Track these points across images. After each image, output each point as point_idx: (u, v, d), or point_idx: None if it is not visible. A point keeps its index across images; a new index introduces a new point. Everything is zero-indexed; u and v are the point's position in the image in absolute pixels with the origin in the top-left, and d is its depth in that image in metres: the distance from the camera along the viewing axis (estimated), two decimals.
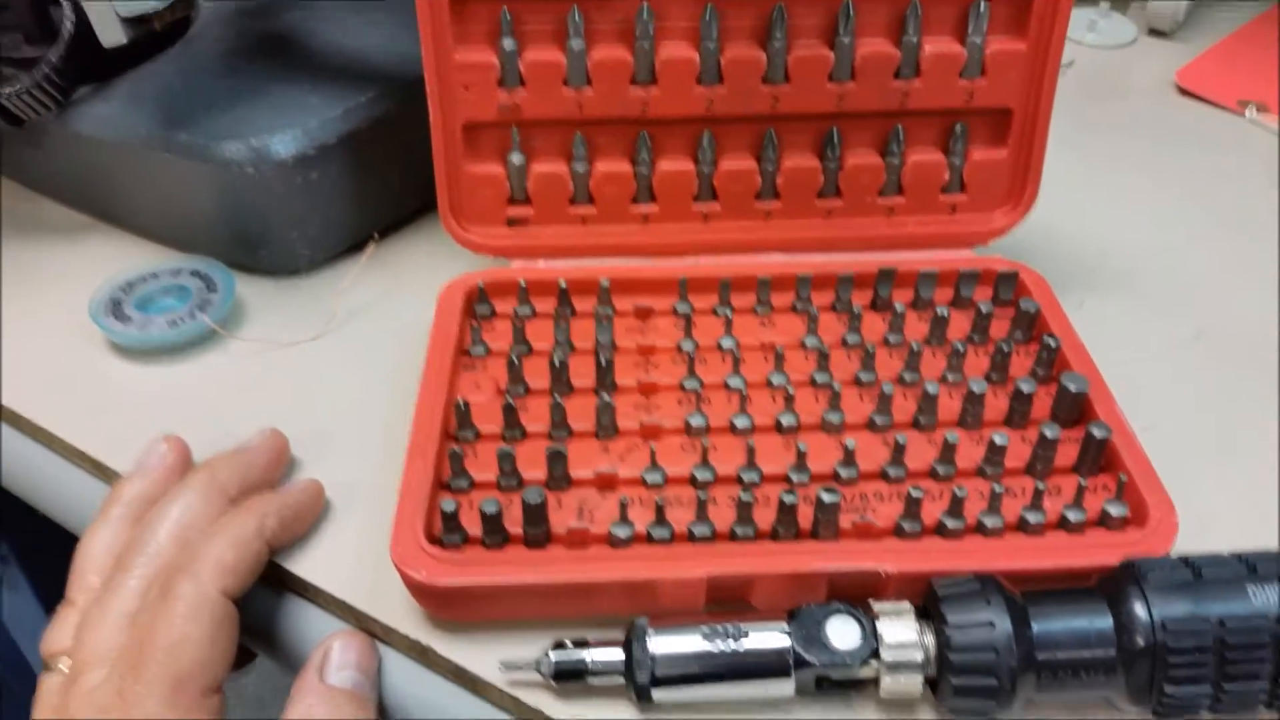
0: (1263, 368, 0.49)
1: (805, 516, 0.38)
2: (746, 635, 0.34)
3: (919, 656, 0.33)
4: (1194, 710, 0.32)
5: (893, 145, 0.49)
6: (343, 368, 0.49)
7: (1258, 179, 0.64)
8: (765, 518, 0.38)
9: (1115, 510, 0.38)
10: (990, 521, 0.38)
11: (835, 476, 0.40)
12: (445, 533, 0.37)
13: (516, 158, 0.48)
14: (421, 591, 0.36)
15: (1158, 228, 0.59)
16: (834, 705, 0.35)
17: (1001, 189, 0.50)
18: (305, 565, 0.40)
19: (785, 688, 0.34)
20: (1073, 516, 0.38)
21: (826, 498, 0.37)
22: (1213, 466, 0.43)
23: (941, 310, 0.46)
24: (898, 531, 0.38)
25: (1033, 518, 0.38)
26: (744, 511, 0.38)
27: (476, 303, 0.48)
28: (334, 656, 0.36)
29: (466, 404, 0.41)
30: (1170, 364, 0.49)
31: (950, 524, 0.38)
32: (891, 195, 0.50)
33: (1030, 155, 0.49)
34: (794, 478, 0.40)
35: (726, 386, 0.44)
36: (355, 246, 0.54)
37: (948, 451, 0.40)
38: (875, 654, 0.33)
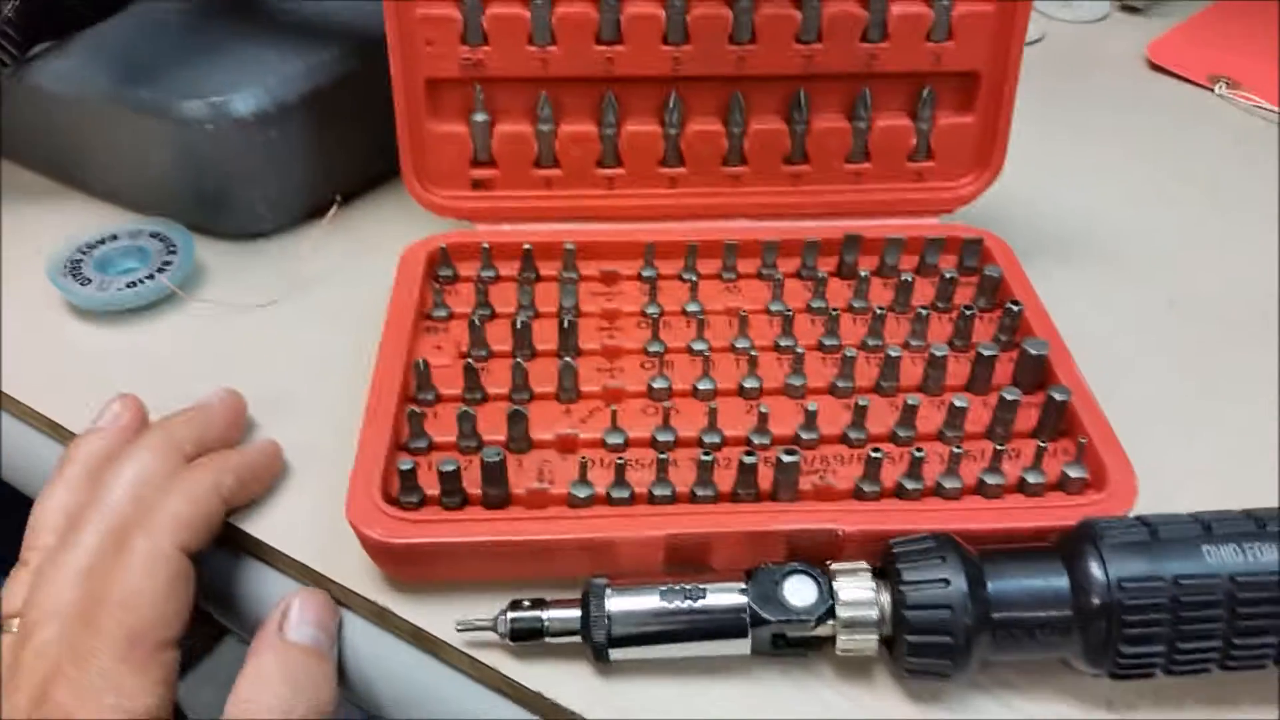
0: (1229, 338, 0.49)
1: (765, 478, 0.38)
2: (704, 595, 0.34)
3: (874, 614, 0.33)
4: (1149, 670, 0.32)
5: (860, 109, 0.49)
6: (303, 331, 0.48)
7: (1226, 153, 0.64)
8: (726, 479, 0.38)
9: (1074, 473, 0.38)
10: (949, 484, 0.38)
11: (796, 439, 0.40)
12: (403, 493, 0.37)
13: (480, 117, 0.47)
14: (378, 551, 0.36)
15: (1127, 200, 0.59)
16: (791, 665, 0.35)
17: (968, 155, 0.50)
18: (263, 527, 0.40)
19: (742, 646, 0.34)
20: (1032, 479, 0.38)
21: (786, 458, 0.37)
22: (1177, 434, 0.43)
23: (906, 276, 0.46)
24: (857, 493, 0.38)
25: (991, 480, 0.38)
26: (704, 473, 0.38)
27: (439, 266, 0.48)
28: (293, 613, 0.36)
29: (426, 364, 0.41)
30: (1137, 334, 0.49)
31: (909, 485, 0.38)
32: (859, 161, 0.50)
33: (997, 120, 0.49)
34: (755, 440, 0.40)
35: (690, 350, 0.44)
36: (318, 210, 0.54)
37: (908, 415, 0.40)
38: (832, 613, 0.33)
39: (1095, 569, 0.32)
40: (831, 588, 0.34)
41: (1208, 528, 0.33)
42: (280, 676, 0.34)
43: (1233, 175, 0.61)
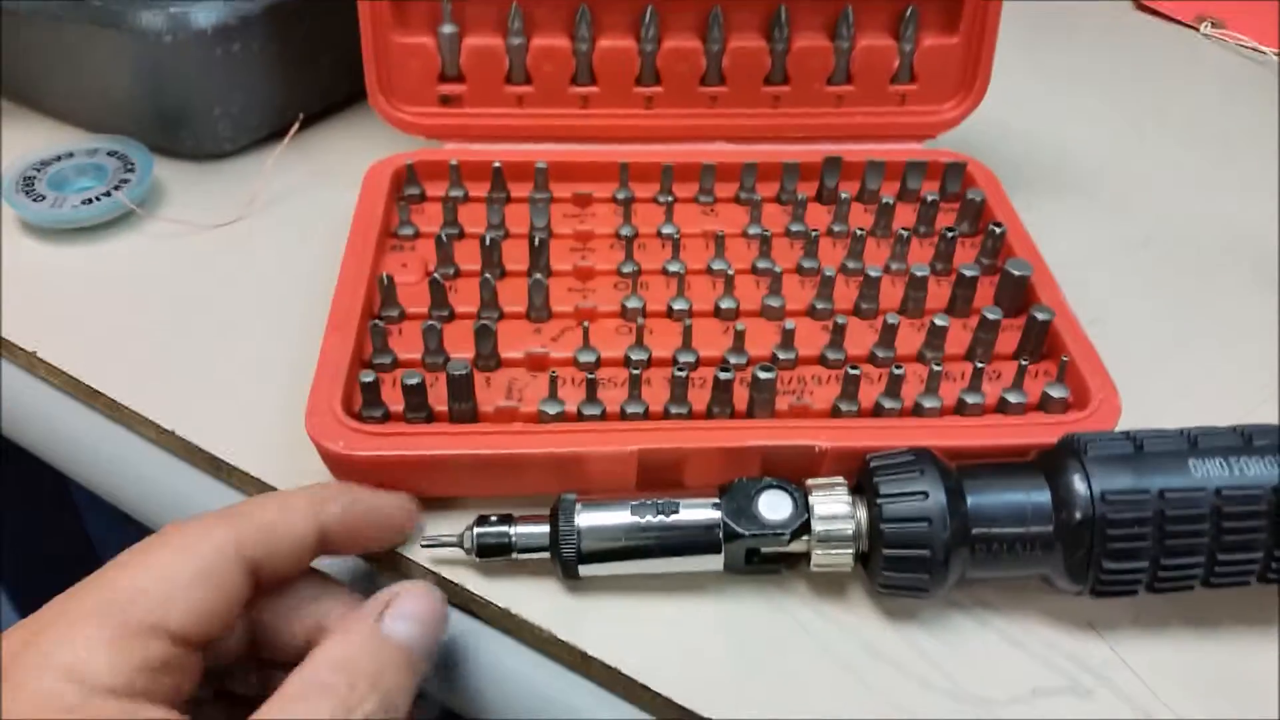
0: (1210, 272, 0.48)
1: (741, 398, 0.37)
2: (677, 509, 0.33)
3: (850, 529, 0.32)
4: (1132, 587, 0.32)
5: (842, 28, 0.48)
6: (266, 251, 0.47)
7: (1210, 93, 0.63)
8: (700, 399, 0.37)
9: (1056, 392, 0.37)
10: (928, 403, 0.37)
11: (774, 359, 0.39)
12: (365, 407, 0.36)
13: (448, 28, 0.46)
14: (339, 465, 0.35)
15: (1112, 135, 0.58)
16: (765, 582, 0.34)
17: (952, 79, 0.49)
18: (217, 442, 0.38)
19: (715, 562, 0.33)
20: (1013, 399, 0.37)
21: (762, 374, 0.36)
22: (1160, 357, 0.43)
23: (887, 199, 0.45)
24: (834, 412, 0.37)
25: (971, 399, 0.37)
26: (678, 390, 0.36)
27: (406, 184, 0.46)
28: (398, 602, 0.30)
29: (390, 279, 0.39)
30: (1119, 266, 0.48)
31: (887, 405, 0.37)
32: (840, 83, 0.49)
33: (981, 44, 0.47)
34: (731, 360, 0.39)
35: (665, 271, 0.43)
36: (282, 130, 0.52)
37: (888, 335, 0.39)
38: (807, 528, 0.32)
39: (1078, 482, 0.31)
40: (807, 502, 0.33)
41: (1194, 442, 0.32)
42: (363, 666, 0.28)
43: (1215, 112, 0.61)
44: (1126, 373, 0.37)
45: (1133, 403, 0.36)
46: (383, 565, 0.35)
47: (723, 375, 0.36)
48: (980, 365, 0.37)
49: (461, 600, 0.34)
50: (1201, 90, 0.63)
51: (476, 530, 0.33)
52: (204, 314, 0.43)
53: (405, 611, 0.30)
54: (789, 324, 0.39)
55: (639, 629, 0.33)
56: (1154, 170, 0.55)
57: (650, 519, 0.32)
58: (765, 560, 0.33)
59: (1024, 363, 0.37)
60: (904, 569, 0.32)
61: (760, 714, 0.31)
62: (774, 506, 0.33)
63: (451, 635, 0.34)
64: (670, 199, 0.46)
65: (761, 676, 0.32)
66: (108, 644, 0.26)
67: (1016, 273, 0.40)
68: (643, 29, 0.47)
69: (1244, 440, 0.32)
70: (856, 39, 0.48)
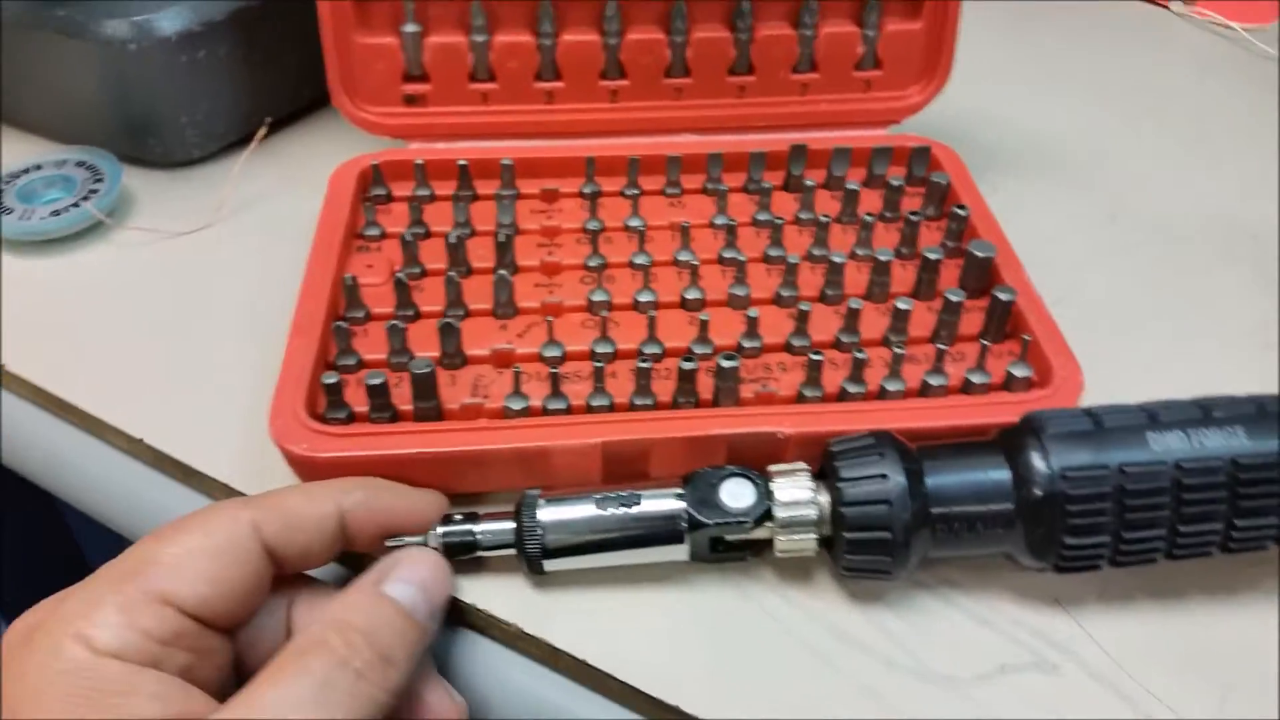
0: (1177, 249, 0.48)
1: (706, 388, 0.37)
2: (639, 501, 0.33)
3: (813, 514, 0.32)
4: (1094, 562, 0.32)
5: (805, 17, 0.48)
6: (234, 257, 0.47)
7: (1181, 71, 0.63)
8: (666, 390, 0.37)
9: (1019, 372, 0.37)
10: (892, 386, 0.37)
11: (739, 349, 0.39)
12: (329, 409, 0.36)
13: (410, 27, 0.46)
14: (304, 467, 0.35)
15: (1080, 116, 0.58)
16: (731, 570, 0.34)
17: (916, 64, 0.49)
18: (186, 450, 0.38)
19: (680, 552, 0.33)
20: (976, 379, 0.37)
21: (725, 363, 0.36)
22: (1124, 337, 0.43)
23: (853, 185, 0.45)
24: (799, 399, 0.37)
25: (934, 381, 0.37)
26: (643, 382, 0.36)
27: (371, 185, 0.46)
28: (396, 568, 0.31)
29: (354, 280, 0.39)
30: (1086, 244, 0.48)
31: (851, 389, 0.37)
32: (805, 71, 0.49)
33: (944, 28, 0.47)
34: (696, 350, 0.39)
35: (631, 264, 0.43)
36: (250, 136, 0.51)
37: (852, 320, 0.39)
38: (770, 514, 0.32)
39: (1037, 460, 0.31)
40: (769, 489, 0.33)
41: (1153, 416, 0.32)
42: (358, 623, 0.28)
43: (1185, 91, 0.60)
44: (1093, 350, 0.37)
45: (1100, 380, 0.36)
46: (351, 564, 0.35)
47: (686, 365, 0.36)
48: (943, 347, 0.37)
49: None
50: (1172, 69, 0.63)
51: (441, 529, 0.33)
52: (173, 322, 0.43)
53: (403, 576, 0.31)
54: (753, 312, 0.39)
55: (607, 621, 0.33)
56: (1122, 150, 0.55)
57: (613, 511, 0.33)
58: (730, 548, 0.33)
59: (986, 343, 0.37)
60: (866, 551, 0.32)
61: (728, 699, 0.31)
62: (736, 494, 0.33)
63: None
64: (637, 192, 0.46)
65: (729, 663, 0.32)
66: (117, 610, 0.27)
67: (979, 254, 0.40)
68: (606, 22, 0.47)
69: (1204, 412, 0.32)
70: (820, 27, 0.48)
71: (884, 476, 0.32)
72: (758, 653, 0.32)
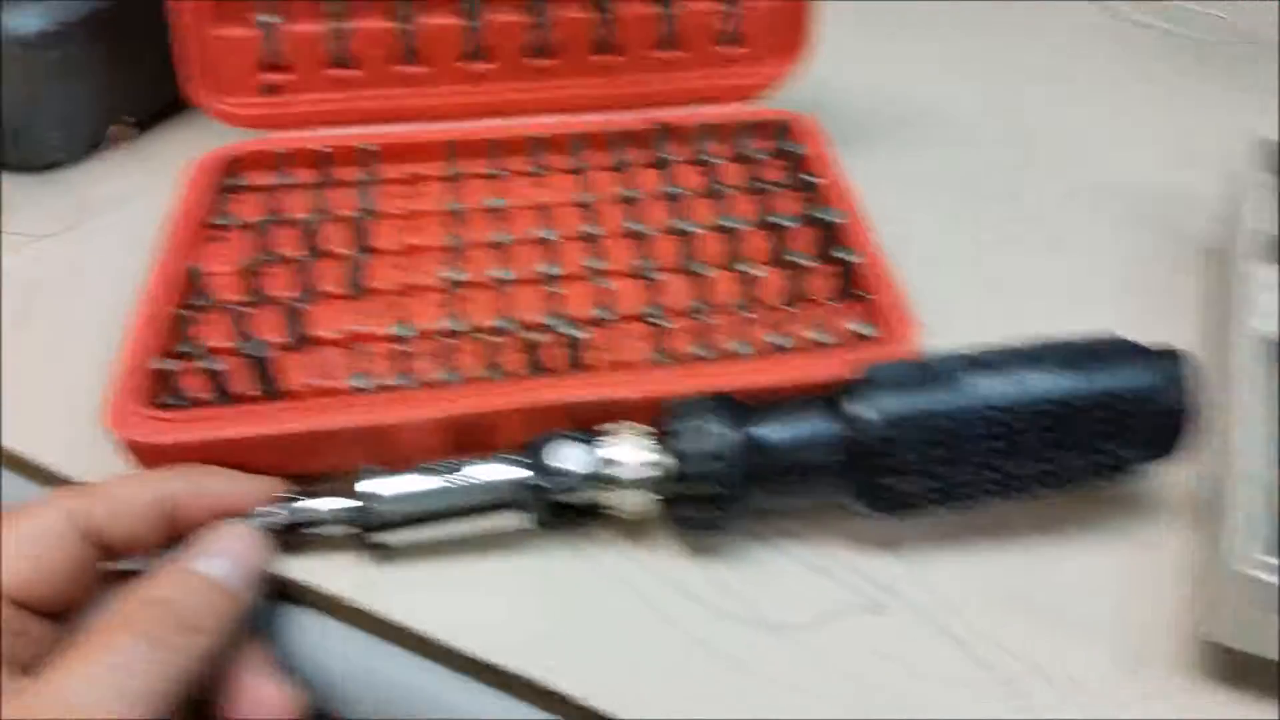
0: (1036, 212, 0.49)
1: (559, 360, 0.37)
2: (460, 469, 0.33)
3: (649, 473, 0.32)
4: (923, 504, 0.32)
5: None
6: (95, 258, 0.46)
7: (1054, 39, 0.63)
8: (517, 363, 0.37)
9: (859, 329, 0.37)
10: (739, 349, 0.37)
11: (593, 321, 0.39)
12: (166, 396, 0.35)
13: (267, 17, 0.45)
14: (141, 454, 0.34)
15: (952, 85, 0.58)
16: (575, 535, 0.34)
17: (779, 38, 0.49)
18: (21, 440, 0.38)
19: (518, 520, 0.33)
20: (817, 338, 0.37)
21: (572, 333, 0.36)
22: (979, 293, 0.43)
23: (714, 160, 0.45)
24: (647, 366, 0.37)
25: (778, 342, 0.37)
26: (491, 356, 0.36)
27: (228, 176, 0.46)
28: (203, 543, 0.31)
29: (198, 269, 0.39)
30: (946, 208, 0.49)
31: (700, 353, 0.37)
32: (668, 49, 0.49)
33: (802, 2, 0.48)
34: (548, 323, 0.39)
35: (490, 244, 0.43)
36: (115, 137, 0.51)
37: (704, 289, 0.39)
38: (607, 475, 0.32)
39: (860, 409, 0.32)
40: (599, 449, 0.33)
41: (976, 361, 0.32)
42: (163, 595, 0.29)
43: (1055, 57, 0.61)
44: (945, 307, 0.38)
45: (963, 335, 0.35)
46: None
47: (534, 338, 0.36)
48: (792, 309, 0.37)
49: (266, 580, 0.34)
50: (1043, 35, 0.63)
51: (272, 508, 0.33)
52: (24, 323, 0.43)
53: (211, 549, 0.31)
54: (610, 284, 0.39)
55: (448, 594, 0.33)
56: (994, 117, 0.56)
57: (445, 481, 0.32)
58: (576, 513, 0.33)
59: (833, 304, 0.37)
60: (698, 506, 0.32)
61: (565, 660, 0.31)
62: (570, 457, 0.33)
63: (263, 616, 0.33)
64: (502, 173, 0.46)
65: (568, 625, 0.32)
66: None
67: (829, 219, 0.41)
68: (466, 5, 0.46)
69: (1026, 356, 0.33)
70: (681, 3, 0.48)
71: (715, 433, 0.32)
72: (597, 612, 0.32)
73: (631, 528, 0.34)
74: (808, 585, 0.33)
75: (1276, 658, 0.29)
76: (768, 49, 0.49)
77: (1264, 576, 0.27)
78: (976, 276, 0.44)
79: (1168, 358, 0.32)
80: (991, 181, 0.51)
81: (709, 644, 0.31)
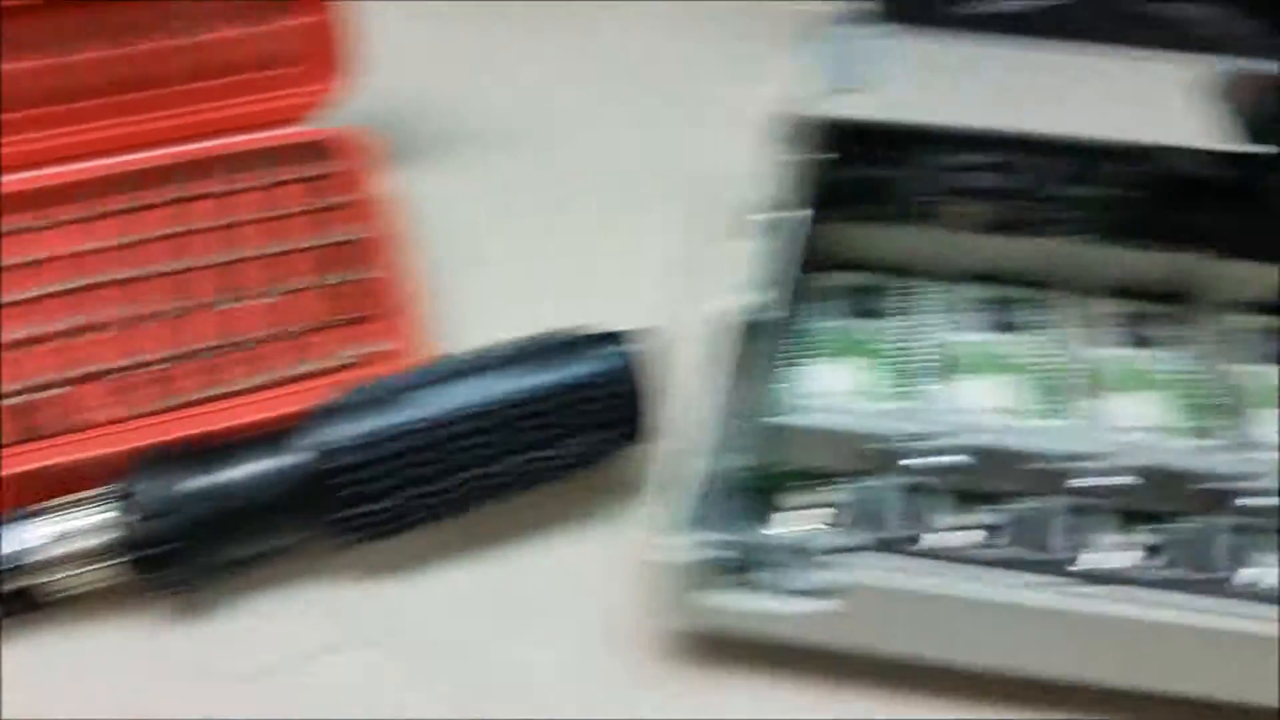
0: (611, 208, 0.49)
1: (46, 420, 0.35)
2: None
3: (105, 539, 0.30)
4: (393, 526, 0.31)
5: (186, 25, 0.46)
6: None
7: (647, 37, 0.62)
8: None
9: (366, 350, 0.36)
10: (213, 391, 0.35)
11: (98, 376, 0.37)
12: None
13: None
14: None
15: (535, 92, 0.57)
16: (34, 623, 0.32)
17: (316, 57, 0.48)
18: None
19: None
20: (310, 368, 0.36)
21: (28, 398, 0.34)
22: (518, 309, 0.42)
23: (236, 190, 0.44)
24: (119, 420, 0.35)
25: (281, 374, 0.36)
26: None
27: None
28: None
29: None
30: (511, 212, 0.48)
31: (168, 403, 0.35)
32: (202, 79, 0.47)
33: (329, 18, 0.47)
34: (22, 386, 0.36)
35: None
36: None
37: (184, 333, 0.37)
38: (61, 556, 0.30)
39: (307, 440, 0.31)
40: (54, 525, 0.31)
41: (430, 372, 0.32)
42: None
43: (641, 56, 0.60)
44: (486, 315, 0.37)
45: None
46: None
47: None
48: (296, 337, 0.36)
49: None
50: (634, 35, 0.63)
51: None
52: None
53: None
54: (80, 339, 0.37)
55: None
56: (575, 119, 0.55)
57: None
58: (27, 600, 0.31)
59: (338, 324, 0.37)
60: (162, 567, 0.30)
61: None
62: (24, 538, 0.31)
63: None
64: (39, 225, 0.43)
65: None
66: None
67: (348, 238, 0.40)
68: None
69: (488, 358, 0.33)
70: (206, 33, 0.46)
71: (170, 486, 0.30)
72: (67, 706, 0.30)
73: (97, 599, 0.32)
74: (289, 628, 0.32)
75: (714, 630, 0.29)
76: (306, 71, 0.48)
77: (676, 558, 0.28)
78: (527, 279, 0.44)
79: (623, 340, 0.33)
80: (555, 182, 0.50)
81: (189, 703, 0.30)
